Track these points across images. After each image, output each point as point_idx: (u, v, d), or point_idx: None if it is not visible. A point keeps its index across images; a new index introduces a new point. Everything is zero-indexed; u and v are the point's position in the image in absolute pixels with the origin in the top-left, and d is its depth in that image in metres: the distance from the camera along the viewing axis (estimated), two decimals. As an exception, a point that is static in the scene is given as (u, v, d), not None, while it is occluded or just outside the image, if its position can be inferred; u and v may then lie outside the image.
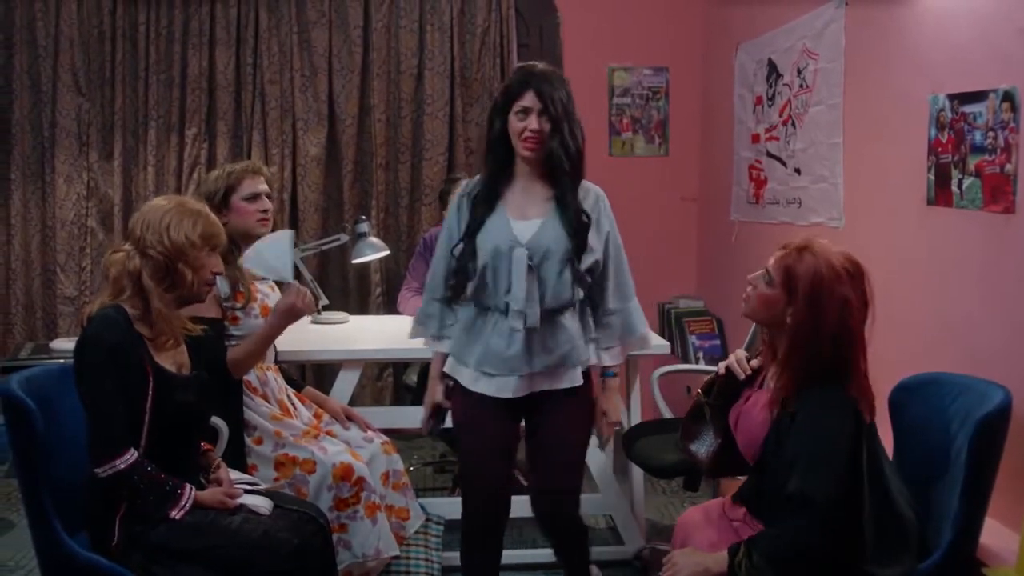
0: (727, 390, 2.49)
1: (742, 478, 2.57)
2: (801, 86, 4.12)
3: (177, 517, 2.41)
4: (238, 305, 3.07)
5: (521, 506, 4.05)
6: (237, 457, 2.94)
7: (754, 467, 2.35)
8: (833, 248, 2.28)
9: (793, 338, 2.24)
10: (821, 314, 2.20)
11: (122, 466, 2.35)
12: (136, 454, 2.37)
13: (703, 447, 2.57)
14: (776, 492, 2.22)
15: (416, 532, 3.33)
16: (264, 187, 3.19)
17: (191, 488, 2.47)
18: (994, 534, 2.50)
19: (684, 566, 2.27)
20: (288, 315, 3.01)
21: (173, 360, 2.55)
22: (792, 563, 2.17)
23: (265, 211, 3.16)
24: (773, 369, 2.36)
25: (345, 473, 2.98)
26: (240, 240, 3.14)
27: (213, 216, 2.59)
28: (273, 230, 3.21)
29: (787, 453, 2.20)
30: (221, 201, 3.13)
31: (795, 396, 2.22)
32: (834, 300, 2.19)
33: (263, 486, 2.76)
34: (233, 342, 3.05)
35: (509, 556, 3.76)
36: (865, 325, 2.24)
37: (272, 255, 3.07)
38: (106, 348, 2.38)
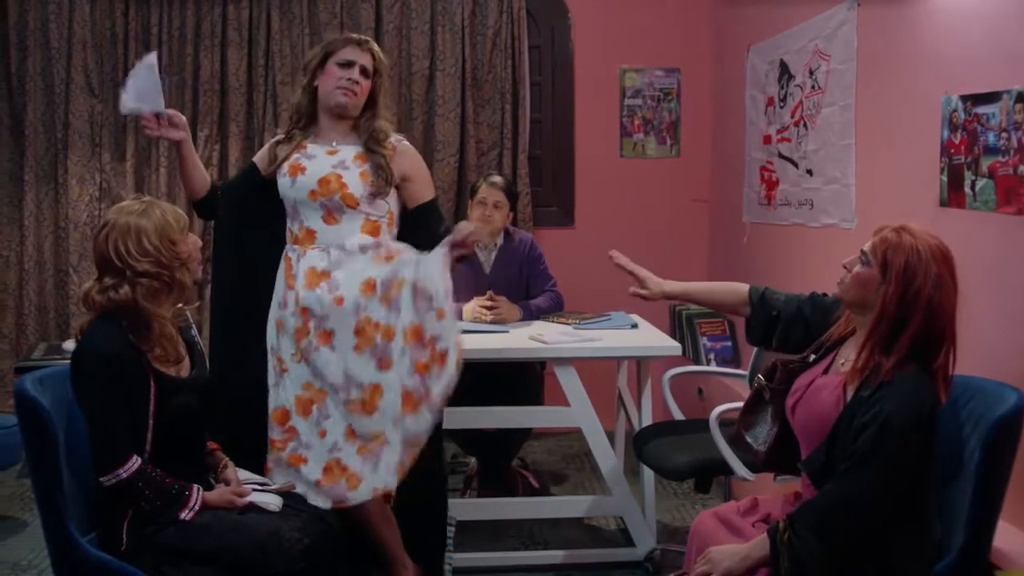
0: (788, 376, 2.47)
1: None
2: (813, 87, 4.11)
3: (187, 519, 2.42)
4: (280, 163, 3.04)
5: (529, 507, 4.08)
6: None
7: (826, 442, 2.30)
8: (928, 232, 2.28)
9: (881, 311, 2.22)
10: (913, 290, 2.19)
11: (125, 475, 2.35)
12: (139, 461, 2.38)
13: (761, 435, 2.54)
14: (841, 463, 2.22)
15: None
16: (364, 60, 3.03)
17: (198, 489, 2.47)
18: (1007, 537, 2.49)
19: (722, 559, 2.26)
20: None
21: (173, 363, 2.55)
22: (839, 530, 2.15)
23: (352, 81, 3.00)
24: (849, 353, 2.35)
25: (282, 418, 2.98)
26: (323, 111, 3.05)
27: (159, 201, 2.57)
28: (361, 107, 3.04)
29: (859, 424, 2.18)
30: (317, 66, 3.04)
31: (876, 372, 2.21)
32: (928, 277, 2.20)
33: (273, 485, 2.76)
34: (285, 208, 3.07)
35: (518, 557, 3.78)
36: (956, 311, 2.24)
37: (143, 84, 2.84)
38: (103, 359, 2.38)
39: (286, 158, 3.04)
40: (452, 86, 5.33)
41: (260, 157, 3.17)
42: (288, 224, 3.06)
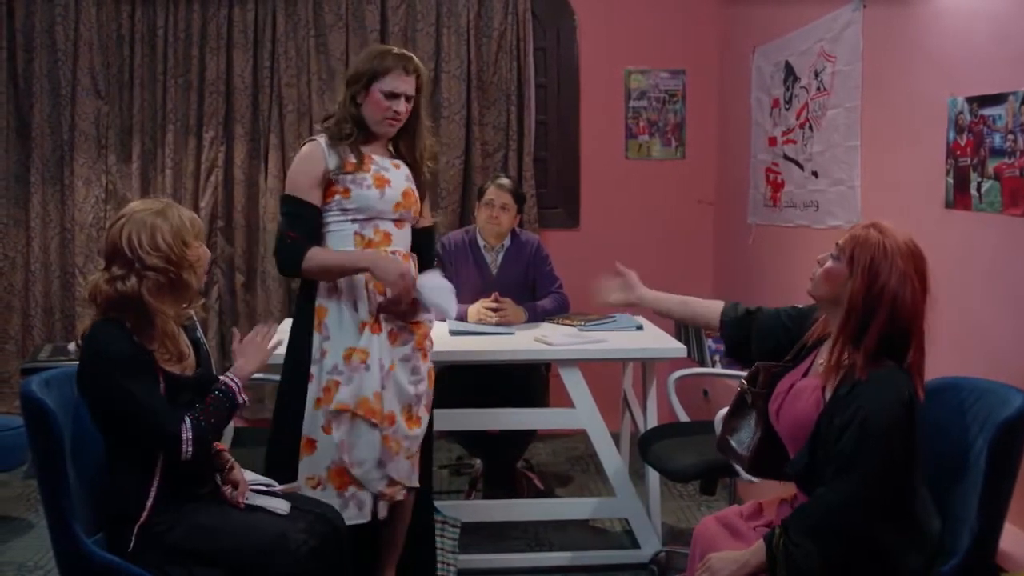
0: (770, 380, 2.47)
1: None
2: (818, 89, 4.11)
3: (245, 402, 2.57)
4: (347, 172, 2.97)
5: (534, 508, 4.08)
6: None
7: (808, 444, 2.30)
8: (900, 230, 2.29)
9: (849, 306, 2.23)
10: (878, 284, 2.20)
11: (191, 448, 2.40)
12: (190, 423, 2.41)
13: (745, 440, 2.54)
14: (828, 466, 2.21)
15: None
16: (408, 88, 3.00)
17: (229, 377, 2.57)
18: (1013, 539, 2.49)
19: (722, 566, 2.25)
20: (385, 272, 2.91)
21: (176, 361, 2.56)
22: (834, 534, 2.15)
23: (397, 113, 2.99)
24: (826, 354, 2.35)
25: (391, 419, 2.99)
26: (367, 126, 3.03)
27: (182, 208, 2.58)
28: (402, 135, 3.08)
29: (839, 425, 2.18)
30: (363, 86, 2.99)
31: (851, 370, 2.22)
32: (894, 272, 2.21)
33: (280, 488, 2.76)
34: (340, 217, 2.98)
35: (523, 559, 3.78)
36: (925, 308, 2.24)
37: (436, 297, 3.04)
38: (115, 358, 2.38)
39: (364, 168, 2.98)
40: (457, 88, 5.34)
41: (311, 167, 3.01)
42: (356, 229, 2.99)
